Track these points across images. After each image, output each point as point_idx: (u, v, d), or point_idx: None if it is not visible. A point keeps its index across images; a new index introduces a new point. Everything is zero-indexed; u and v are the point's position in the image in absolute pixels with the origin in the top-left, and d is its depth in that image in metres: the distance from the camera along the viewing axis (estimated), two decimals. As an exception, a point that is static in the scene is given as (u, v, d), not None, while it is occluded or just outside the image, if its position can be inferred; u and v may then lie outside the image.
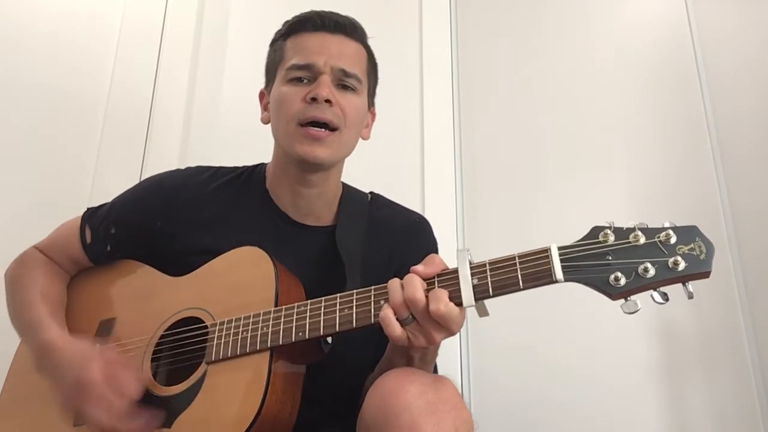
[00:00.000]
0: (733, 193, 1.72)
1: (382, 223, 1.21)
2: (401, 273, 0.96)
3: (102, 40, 1.97)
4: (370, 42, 1.22)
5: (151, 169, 1.77)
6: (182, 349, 1.04)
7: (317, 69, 1.09)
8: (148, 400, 1.00)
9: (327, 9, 1.19)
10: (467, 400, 1.72)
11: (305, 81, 1.10)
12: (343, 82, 1.11)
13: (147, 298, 1.12)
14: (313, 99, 1.07)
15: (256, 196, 1.19)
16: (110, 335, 1.11)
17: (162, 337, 1.07)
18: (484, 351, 1.78)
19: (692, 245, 0.81)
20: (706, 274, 0.80)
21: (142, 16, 2.01)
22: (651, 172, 1.81)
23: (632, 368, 1.65)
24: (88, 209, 1.23)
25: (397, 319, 0.88)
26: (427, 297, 0.87)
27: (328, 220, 1.19)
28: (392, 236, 1.20)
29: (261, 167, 1.24)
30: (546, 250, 0.85)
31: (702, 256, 0.80)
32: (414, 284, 0.87)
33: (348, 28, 1.15)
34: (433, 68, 2.08)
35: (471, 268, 0.88)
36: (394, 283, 0.90)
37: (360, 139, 1.20)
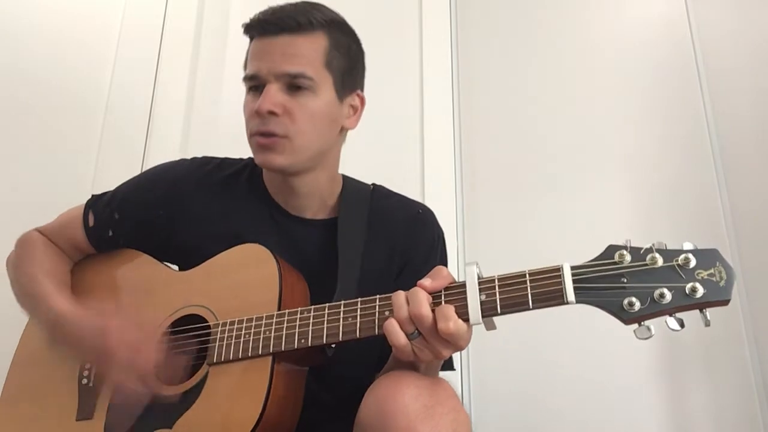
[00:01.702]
0: (733, 194, 1.72)
1: (383, 214, 1.19)
2: (406, 270, 0.94)
3: (102, 40, 1.96)
4: (363, 38, 1.16)
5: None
6: (184, 348, 1.04)
7: (261, 79, 1.06)
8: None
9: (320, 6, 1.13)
10: (467, 403, 1.72)
11: (260, 88, 1.07)
12: (293, 83, 1.05)
13: (148, 291, 1.12)
14: (257, 113, 1.05)
15: (256, 190, 1.18)
16: None
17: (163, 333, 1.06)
18: (484, 353, 1.78)
19: (712, 270, 0.76)
20: (725, 302, 0.76)
21: (142, 16, 2.01)
22: (651, 172, 1.81)
23: (632, 369, 1.66)
24: (93, 196, 1.23)
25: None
26: (433, 311, 0.84)
27: (328, 213, 1.17)
28: (394, 229, 1.17)
29: None
30: (558, 269, 0.81)
31: (722, 283, 0.75)
32: (419, 299, 0.84)
33: (291, 25, 1.06)
34: (433, 68, 2.07)
35: (479, 283, 0.85)
36: (399, 297, 0.87)
37: (351, 131, 1.16)
